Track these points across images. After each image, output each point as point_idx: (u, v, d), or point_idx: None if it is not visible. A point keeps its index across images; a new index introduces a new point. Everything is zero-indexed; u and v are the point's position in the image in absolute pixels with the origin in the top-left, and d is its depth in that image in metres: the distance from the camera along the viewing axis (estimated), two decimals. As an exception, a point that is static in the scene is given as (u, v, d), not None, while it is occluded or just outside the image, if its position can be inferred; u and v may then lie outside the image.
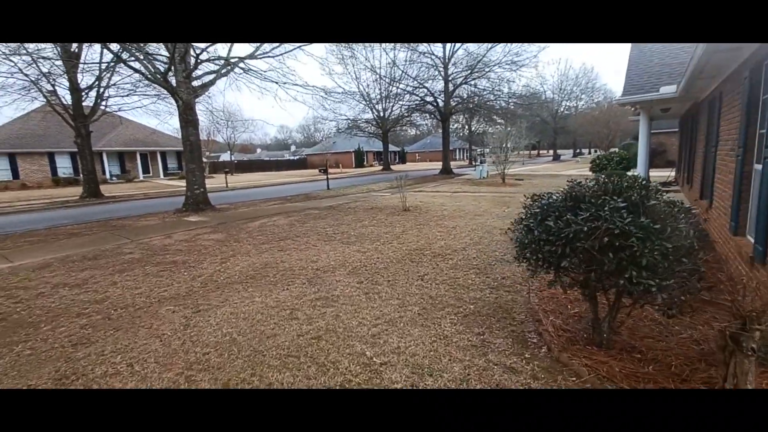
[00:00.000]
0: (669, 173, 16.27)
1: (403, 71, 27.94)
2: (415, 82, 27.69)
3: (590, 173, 21.07)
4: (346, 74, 33.23)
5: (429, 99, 28.04)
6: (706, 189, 7.45)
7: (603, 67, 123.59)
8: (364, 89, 36.11)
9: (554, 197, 3.21)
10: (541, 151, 65.58)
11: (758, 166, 4.48)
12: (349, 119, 37.91)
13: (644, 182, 2.91)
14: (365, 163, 55.82)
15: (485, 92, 27.77)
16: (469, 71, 25.90)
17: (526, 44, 24.13)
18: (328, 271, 5.83)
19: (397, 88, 30.52)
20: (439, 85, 28.26)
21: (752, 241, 4.12)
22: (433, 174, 29.31)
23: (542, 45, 24.40)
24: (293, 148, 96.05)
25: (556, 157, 51.95)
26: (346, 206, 13.22)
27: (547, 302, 4.30)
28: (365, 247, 7.15)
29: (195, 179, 13.42)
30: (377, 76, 32.32)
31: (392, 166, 44.98)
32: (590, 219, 2.67)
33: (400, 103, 31.43)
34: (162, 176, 36.28)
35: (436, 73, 27.38)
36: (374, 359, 3.30)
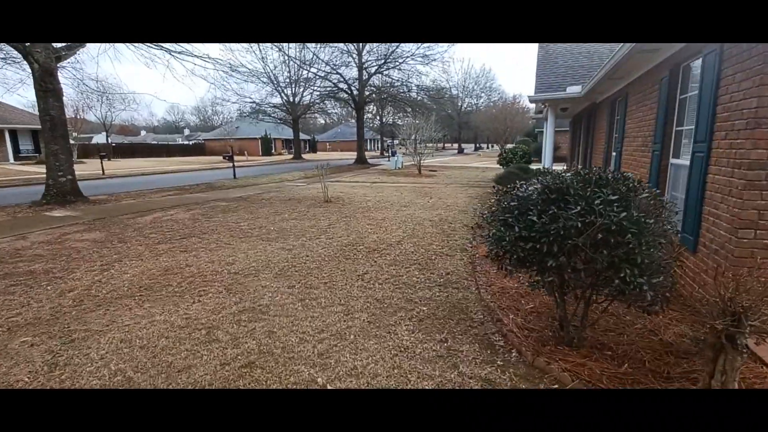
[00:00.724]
0: (562, 167, 18.21)
1: (314, 54, 26.64)
2: (328, 67, 26.64)
3: (497, 165, 22.72)
4: (250, 51, 30.40)
5: (343, 86, 27.24)
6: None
7: (499, 69, 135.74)
8: (272, 71, 33.74)
9: (530, 189, 2.90)
10: (446, 145, 69.66)
11: (675, 160, 4.87)
12: (255, 102, 35.09)
13: (623, 174, 2.75)
14: (273, 151, 52.75)
15: (398, 83, 27.99)
16: (383, 60, 25.74)
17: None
18: (249, 275, 4.92)
19: (308, 71, 29.06)
20: (353, 72, 27.66)
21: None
22: (347, 164, 28.73)
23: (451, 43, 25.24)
24: (187, 131, 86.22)
25: (460, 151, 55.46)
26: (259, 197, 11.95)
27: (499, 298, 4.10)
28: (290, 244, 6.32)
29: (59, 164, 10.78)
30: (286, 57, 30.36)
31: (303, 155, 43.17)
32: (582, 213, 2.39)
33: (312, 88, 30.01)
34: (12, 160, 29.31)
35: (350, 59, 26.71)
36: (329, 386, 2.67)
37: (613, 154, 7.94)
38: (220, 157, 37.23)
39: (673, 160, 4.89)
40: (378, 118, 49.04)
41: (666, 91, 4.90)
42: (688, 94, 4.60)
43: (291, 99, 35.88)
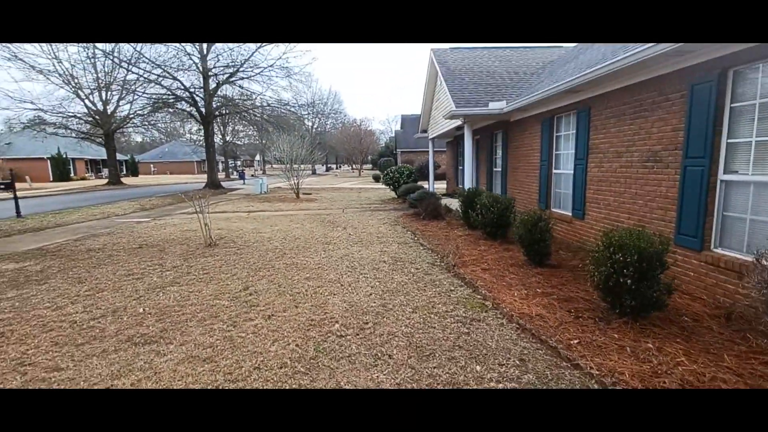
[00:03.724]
0: (444, 185, 18.52)
1: (136, 50, 20.82)
2: (160, 69, 21.25)
3: (372, 186, 21.85)
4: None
5: (185, 95, 22.17)
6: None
7: (343, 95, 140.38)
8: (68, 70, 25.39)
9: None
10: (301, 166, 66.98)
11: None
12: (39, 110, 25.72)
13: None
14: (73, 175, 40.51)
15: (254, 96, 24.61)
16: (234, 69, 22.07)
17: (298, 52, 22.77)
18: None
19: (128, 71, 22.74)
20: (194, 78, 22.93)
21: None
22: (196, 189, 23.46)
23: (314, 56, 23.63)
24: None
25: (313, 171, 53.98)
26: (82, 247, 7.58)
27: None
28: (196, 353, 3.36)
29: None
30: (90, 50, 23.16)
31: (123, 180, 34.09)
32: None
33: (136, 94, 23.52)
34: None
35: (191, 62, 21.98)
36: None
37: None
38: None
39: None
40: (220, 136, 43.16)
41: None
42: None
43: (101, 107, 27.82)
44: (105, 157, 36.15)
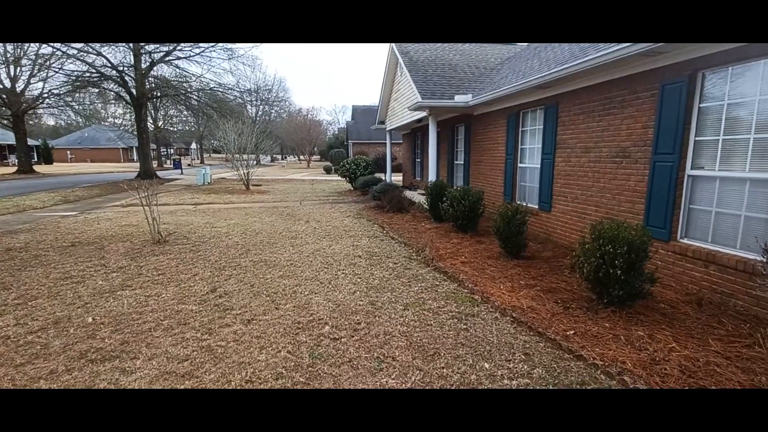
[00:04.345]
0: (400, 177, 18.48)
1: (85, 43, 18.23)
2: (81, 42, 18.74)
3: (323, 178, 21.23)
4: None
5: (110, 73, 19.77)
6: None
7: (290, 82, 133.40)
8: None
9: None
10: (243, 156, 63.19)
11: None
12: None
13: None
14: (-30, 161, 34.89)
15: (190, 78, 22.70)
16: (173, 47, 20.12)
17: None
18: None
19: (41, 45, 19.88)
20: (123, 56, 20.56)
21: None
22: (127, 179, 21.17)
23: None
24: None
25: (258, 162, 51.64)
26: (5, 246, 6.42)
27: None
28: (171, 368, 2.93)
29: None
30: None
31: (35, 168, 29.90)
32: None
33: (54, 71, 20.59)
34: None
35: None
36: None
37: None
38: None
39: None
40: (151, 120, 39.48)
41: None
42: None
43: (9, 85, 24.07)
44: (11, 142, 31.57)
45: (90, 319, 3.64)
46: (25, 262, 5.47)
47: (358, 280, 4.84)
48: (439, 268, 5.32)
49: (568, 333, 3.37)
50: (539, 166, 6.94)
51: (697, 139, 4.18)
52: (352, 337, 3.36)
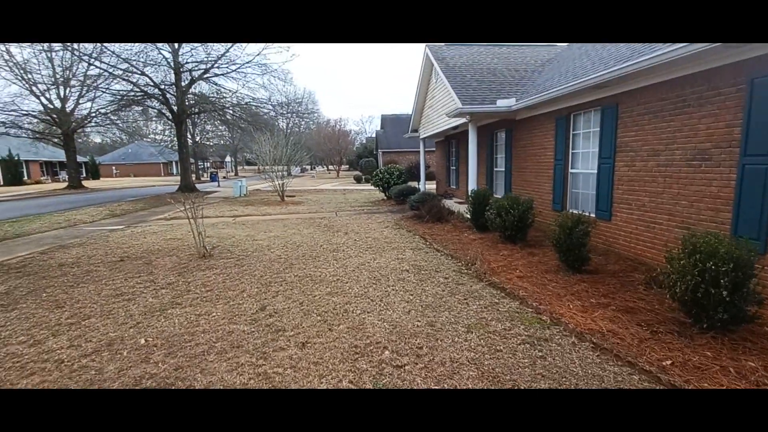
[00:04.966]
0: (433, 186, 18.14)
1: (99, 43, 19.16)
2: (126, 63, 19.72)
3: (355, 187, 21.16)
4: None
5: (153, 91, 20.68)
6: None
7: (318, 95, 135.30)
8: (19, 62, 23.20)
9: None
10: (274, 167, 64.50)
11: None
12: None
13: None
14: (27, 178, 37.47)
15: (227, 94, 23.39)
16: (209, 64, 20.83)
17: (276, 48, 21.79)
18: None
19: (89, 65, 21.03)
20: (164, 74, 21.43)
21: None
22: (168, 192, 21.96)
23: (294, 53, 22.81)
24: None
25: (288, 173, 52.69)
26: (51, 262, 6.60)
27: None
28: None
29: None
30: (46, 44, 21.20)
31: (84, 183, 31.70)
32: None
33: (99, 90, 21.79)
34: None
35: (161, 56, 20.54)
36: None
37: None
38: None
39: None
40: (190, 136, 41.07)
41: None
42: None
43: (59, 105, 25.69)
44: (62, 159, 33.67)
45: (143, 341, 3.55)
46: (77, 278, 5.55)
47: (410, 297, 4.56)
48: (494, 283, 4.96)
49: (664, 363, 2.94)
50: (596, 171, 6.45)
51: (799, 137, 3.66)
52: (416, 364, 3.08)
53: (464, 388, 2.73)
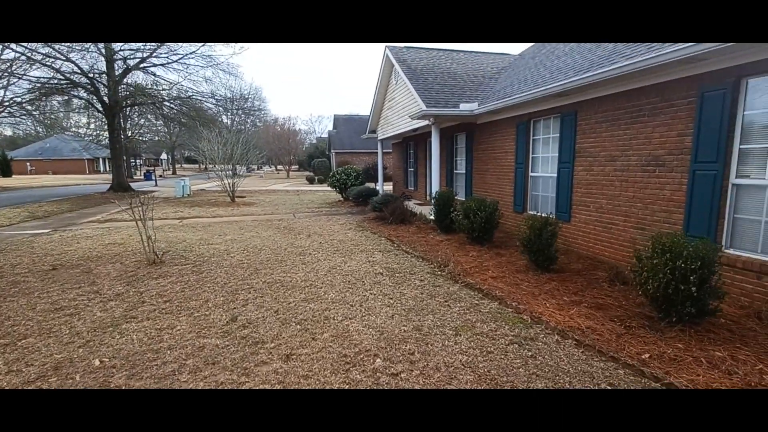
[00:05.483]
0: (390, 187, 18.16)
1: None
2: (48, 48, 17.53)
3: (307, 188, 20.61)
4: None
5: (82, 81, 18.57)
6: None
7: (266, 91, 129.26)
8: None
9: None
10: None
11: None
12: None
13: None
14: None
15: (167, 86, 21.72)
16: (149, 53, 19.18)
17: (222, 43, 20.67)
18: None
19: (6, 47, 18.48)
20: (95, 62, 19.40)
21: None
22: (99, 192, 19.82)
23: (242, 46, 21.79)
24: None
25: (235, 173, 50.16)
26: (-37, 272, 5.61)
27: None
28: None
29: None
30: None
31: (-9, 180, 27.73)
32: None
33: (17, 77, 19.15)
34: None
35: (88, 44, 18.51)
36: None
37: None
38: None
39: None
40: (122, 130, 37.56)
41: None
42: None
43: (-38, 91, 22.22)
44: (-36, 153, 29.19)
45: (97, 362, 3.09)
46: (3, 291, 4.76)
47: (390, 301, 4.45)
48: (470, 284, 5.01)
49: (643, 357, 3.11)
50: (556, 175, 6.80)
51: (742, 147, 4.09)
52: (411, 371, 2.98)
53: (464, 388, 2.72)
